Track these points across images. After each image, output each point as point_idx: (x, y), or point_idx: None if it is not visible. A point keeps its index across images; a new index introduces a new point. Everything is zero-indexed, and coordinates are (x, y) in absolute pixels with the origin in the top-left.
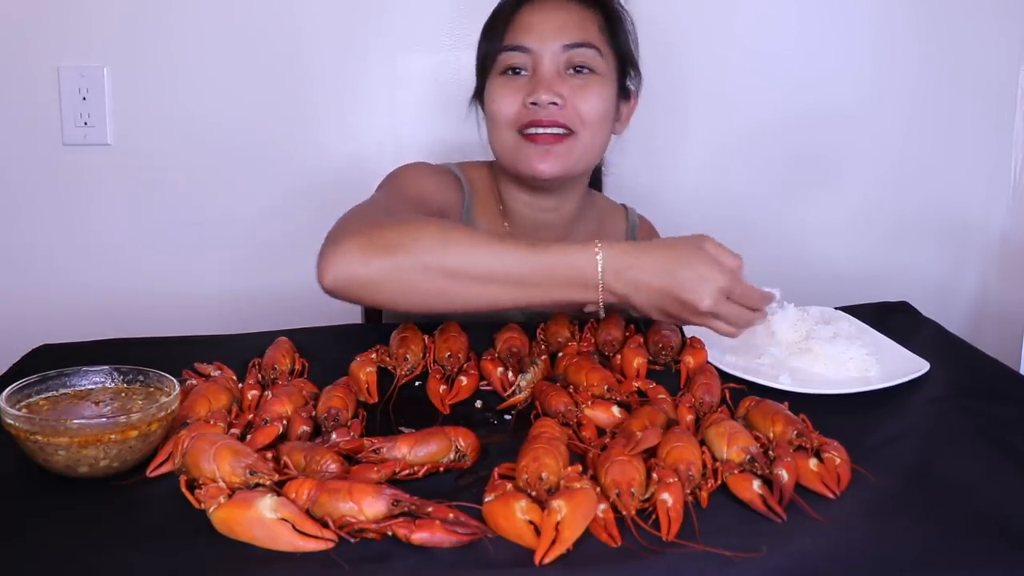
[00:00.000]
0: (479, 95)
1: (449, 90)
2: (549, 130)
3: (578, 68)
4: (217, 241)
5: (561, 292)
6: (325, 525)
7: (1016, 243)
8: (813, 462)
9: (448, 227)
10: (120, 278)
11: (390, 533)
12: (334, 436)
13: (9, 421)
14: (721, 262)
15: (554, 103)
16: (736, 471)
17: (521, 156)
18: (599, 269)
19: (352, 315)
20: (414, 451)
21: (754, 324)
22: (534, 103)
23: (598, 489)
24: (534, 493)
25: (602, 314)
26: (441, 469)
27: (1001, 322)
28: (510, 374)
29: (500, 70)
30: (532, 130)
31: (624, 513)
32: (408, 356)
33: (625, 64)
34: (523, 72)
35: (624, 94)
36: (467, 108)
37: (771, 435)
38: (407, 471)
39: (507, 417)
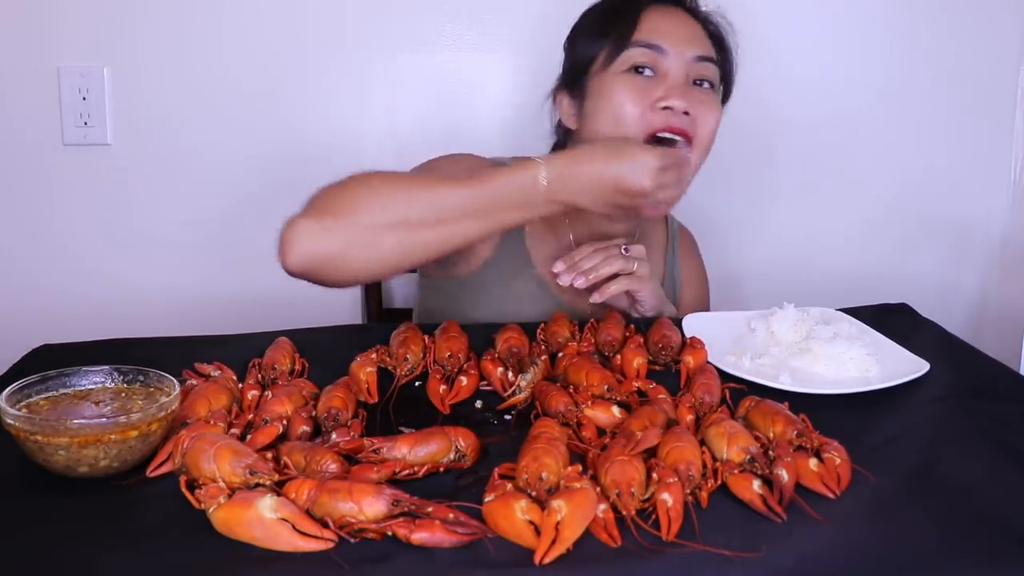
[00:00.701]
0: (567, 87)
1: (449, 90)
2: (678, 138)
3: (700, 81)
4: (217, 241)
5: (513, 214)
6: (325, 525)
7: (1016, 243)
8: (813, 462)
9: (388, 180)
10: (120, 278)
11: (390, 533)
12: (334, 436)
13: (9, 421)
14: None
15: (688, 113)
16: (736, 471)
17: None
18: (544, 182)
19: (352, 315)
20: (414, 451)
21: (687, 183)
22: (667, 107)
23: (598, 489)
24: (534, 493)
25: (649, 313)
26: (441, 469)
27: (1001, 322)
28: (510, 374)
29: (626, 67)
30: (663, 134)
31: (624, 513)
32: (408, 356)
33: (728, 86)
34: (647, 72)
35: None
36: (543, 99)
37: (771, 435)
38: (407, 471)
39: (507, 417)
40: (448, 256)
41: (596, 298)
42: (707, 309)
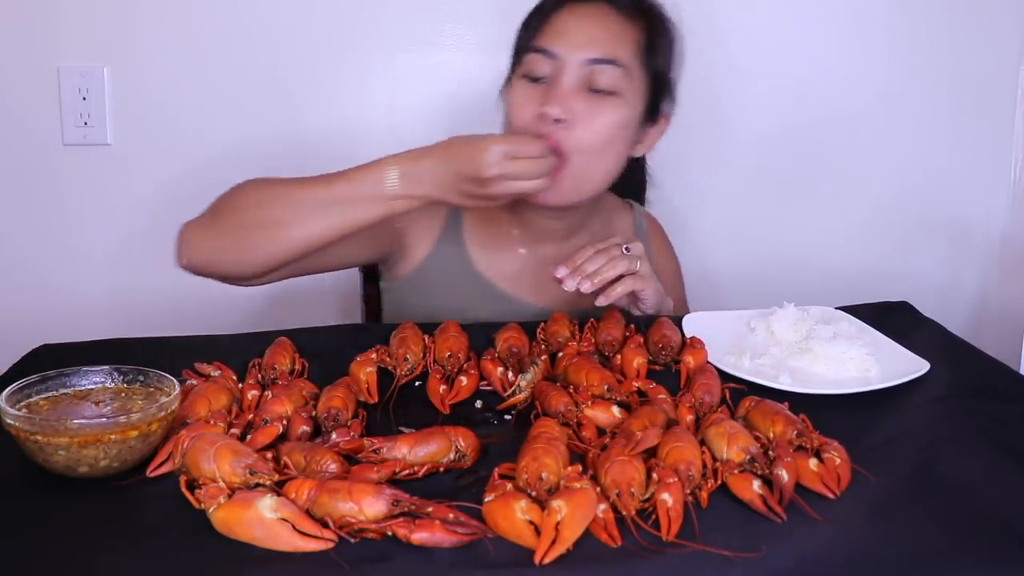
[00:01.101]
0: (507, 88)
1: (449, 90)
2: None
3: (597, 88)
4: None
5: (364, 210)
6: (325, 525)
7: (1016, 243)
8: (813, 462)
9: (260, 184)
10: (120, 278)
11: (390, 533)
12: (334, 436)
13: (9, 421)
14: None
15: (560, 120)
16: (736, 471)
17: None
18: (392, 179)
19: (352, 315)
20: (414, 451)
21: (544, 172)
22: (543, 114)
23: (598, 489)
24: (534, 493)
25: (650, 310)
26: (441, 469)
27: (1001, 322)
28: (510, 374)
29: (523, 72)
30: None
31: (624, 513)
32: (408, 356)
33: (659, 85)
34: (544, 80)
35: (652, 116)
36: (497, 100)
37: (771, 435)
38: (407, 471)
39: (507, 417)
40: (385, 257)
41: (602, 301)
42: (683, 298)
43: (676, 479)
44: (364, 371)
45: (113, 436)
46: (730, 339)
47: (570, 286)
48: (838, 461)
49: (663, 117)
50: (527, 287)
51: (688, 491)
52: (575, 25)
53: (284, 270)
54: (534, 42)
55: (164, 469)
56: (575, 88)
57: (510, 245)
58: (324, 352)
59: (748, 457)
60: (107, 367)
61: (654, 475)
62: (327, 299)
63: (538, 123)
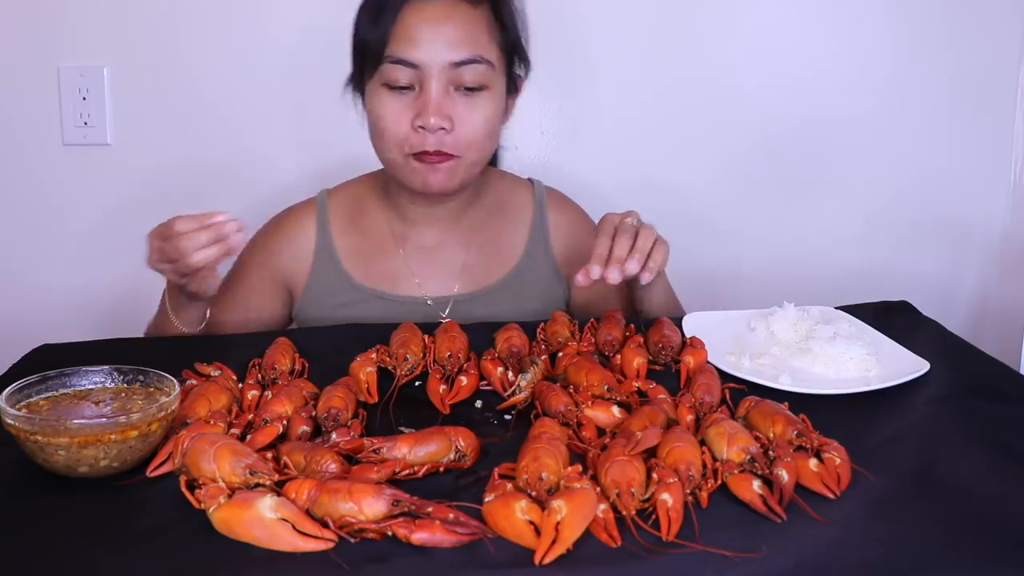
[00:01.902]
0: (357, 86)
1: None
2: (435, 160)
3: (466, 87)
4: None
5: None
6: (325, 525)
7: (1016, 243)
8: (813, 462)
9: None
10: (120, 278)
11: (390, 533)
12: (334, 436)
13: (9, 421)
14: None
15: (443, 128)
16: (736, 471)
17: (408, 172)
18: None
19: None
20: (414, 451)
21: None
22: (422, 127)
23: (598, 489)
24: (534, 493)
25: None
26: (441, 469)
27: (1001, 322)
28: (510, 374)
29: (384, 81)
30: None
31: (624, 513)
32: (408, 356)
33: (512, 56)
34: (409, 89)
35: (512, 86)
36: (341, 91)
37: (771, 435)
38: (407, 471)
39: (507, 417)
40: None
41: (647, 277)
42: None
43: (676, 479)
44: (364, 371)
45: (113, 436)
46: (730, 339)
47: (614, 277)
48: (838, 461)
49: (520, 83)
50: (412, 283)
51: (688, 491)
52: (428, 28)
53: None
54: (388, 51)
55: (164, 469)
56: (445, 93)
57: (389, 247)
58: (324, 352)
59: (748, 457)
60: (107, 367)
61: (654, 475)
62: None
63: (415, 138)
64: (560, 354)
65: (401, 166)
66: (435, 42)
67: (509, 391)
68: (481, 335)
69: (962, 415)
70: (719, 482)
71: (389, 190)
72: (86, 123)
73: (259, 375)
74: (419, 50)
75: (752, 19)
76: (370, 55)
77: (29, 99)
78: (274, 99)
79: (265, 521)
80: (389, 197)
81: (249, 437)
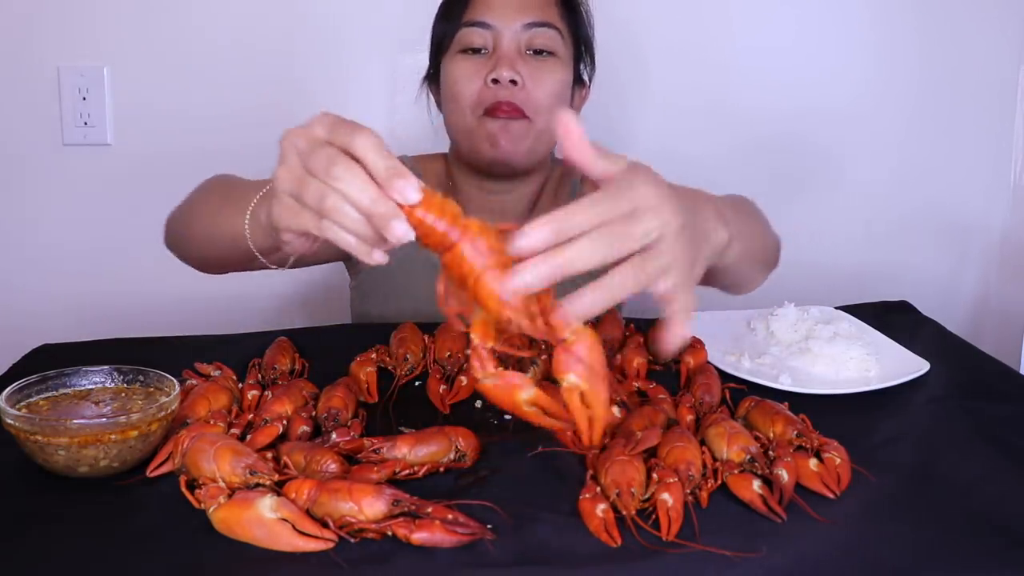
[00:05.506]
0: (433, 77)
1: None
2: (506, 112)
3: (538, 51)
4: None
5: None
6: (325, 525)
7: (1016, 243)
8: (813, 462)
9: (215, 181)
10: (120, 278)
11: (390, 533)
12: (334, 436)
13: (9, 421)
14: None
15: (514, 80)
16: (736, 471)
17: (481, 134)
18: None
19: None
20: (414, 451)
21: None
22: (495, 80)
23: (598, 489)
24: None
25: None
26: (441, 469)
27: (1001, 322)
28: None
29: (459, 48)
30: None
31: (624, 513)
32: (408, 356)
33: (581, 50)
34: (483, 51)
35: (579, 80)
36: (417, 91)
37: (771, 435)
38: (407, 471)
39: (507, 417)
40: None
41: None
42: None
43: (676, 479)
44: (364, 371)
45: (113, 436)
46: (730, 339)
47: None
48: (838, 461)
49: (586, 83)
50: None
51: (688, 491)
52: None
53: (237, 265)
54: (465, 17)
55: (164, 469)
56: (517, 53)
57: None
58: (324, 352)
59: (748, 457)
60: (107, 367)
61: (654, 475)
62: (327, 299)
63: (488, 94)
64: None
65: (473, 130)
66: (508, 7)
67: None
68: None
69: (962, 415)
70: (719, 482)
71: (456, 184)
72: (86, 123)
73: (259, 375)
74: (493, 12)
75: (752, 19)
76: (449, 27)
77: (29, 99)
78: (274, 99)
79: (265, 521)
80: (458, 189)
81: (249, 437)
